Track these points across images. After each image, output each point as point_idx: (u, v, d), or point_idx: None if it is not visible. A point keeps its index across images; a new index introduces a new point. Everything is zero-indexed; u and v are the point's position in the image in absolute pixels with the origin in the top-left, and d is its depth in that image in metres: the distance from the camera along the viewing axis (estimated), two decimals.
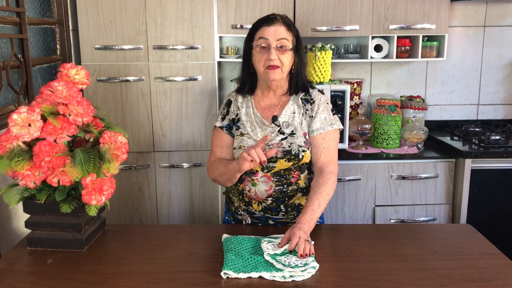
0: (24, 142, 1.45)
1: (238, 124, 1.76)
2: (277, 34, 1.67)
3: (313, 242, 1.50)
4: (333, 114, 1.76)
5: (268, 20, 1.70)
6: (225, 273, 1.34)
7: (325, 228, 1.75)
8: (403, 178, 2.55)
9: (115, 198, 2.62)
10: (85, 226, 1.55)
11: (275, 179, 1.71)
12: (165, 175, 2.62)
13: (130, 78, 2.51)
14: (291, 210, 1.76)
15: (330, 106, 1.79)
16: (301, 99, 1.75)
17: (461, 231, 1.71)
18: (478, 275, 1.36)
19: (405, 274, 1.36)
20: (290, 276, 1.33)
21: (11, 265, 1.44)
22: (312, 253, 1.41)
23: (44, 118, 1.46)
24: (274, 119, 1.72)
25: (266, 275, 1.33)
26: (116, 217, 2.64)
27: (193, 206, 2.66)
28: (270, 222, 1.77)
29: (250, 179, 1.73)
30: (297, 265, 1.36)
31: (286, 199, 1.74)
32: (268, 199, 1.73)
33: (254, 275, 1.34)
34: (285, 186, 1.72)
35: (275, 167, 1.70)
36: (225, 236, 1.58)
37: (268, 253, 1.41)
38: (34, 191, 1.52)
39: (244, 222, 1.81)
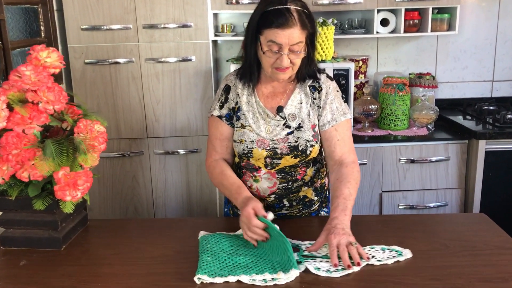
0: None
1: (238, 114, 1.56)
2: (291, 39, 1.39)
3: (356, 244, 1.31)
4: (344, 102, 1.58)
5: (281, 20, 1.38)
6: (198, 278, 1.20)
7: (325, 219, 1.61)
8: (412, 161, 2.40)
9: (109, 187, 2.50)
10: (62, 224, 1.42)
11: (280, 176, 1.55)
12: (160, 162, 2.49)
13: (120, 60, 2.37)
14: (296, 204, 1.60)
15: (340, 93, 1.59)
16: (309, 86, 1.54)
17: (475, 221, 1.56)
18: (495, 274, 1.21)
19: (412, 274, 1.22)
20: (272, 279, 1.19)
21: None
22: (367, 258, 1.27)
23: (11, 107, 1.32)
24: (279, 110, 1.52)
25: (245, 278, 1.20)
26: (110, 207, 2.52)
27: (191, 194, 2.53)
28: None
29: (252, 175, 1.58)
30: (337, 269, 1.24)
31: (290, 195, 1.59)
32: (270, 196, 1.58)
33: (232, 279, 1.20)
34: (290, 183, 1.57)
35: (280, 163, 1.53)
36: (202, 233, 1.45)
37: (304, 255, 1.29)
38: (4, 186, 1.39)
39: None
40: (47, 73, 1.39)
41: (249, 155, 1.54)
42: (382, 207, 2.43)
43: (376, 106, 2.50)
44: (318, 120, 1.54)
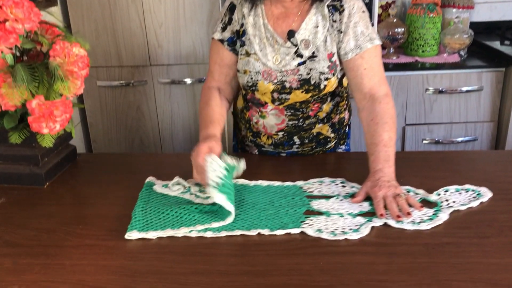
0: None
1: (243, 38, 1.35)
2: None
3: (407, 192, 1.16)
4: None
5: None
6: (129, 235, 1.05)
7: (337, 157, 1.44)
8: (440, 92, 2.17)
9: (112, 118, 2.36)
10: (44, 159, 1.29)
11: (289, 113, 1.36)
12: (165, 92, 2.31)
13: None
14: (308, 141, 1.42)
15: (367, 14, 1.32)
16: (328, 6, 1.29)
17: (509, 160, 1.36)
18: None
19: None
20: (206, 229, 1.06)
21: None
22: (420, 207, 1.10)
23: None
24: (290, 35, 1.30)
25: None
26: (114, 139, 2.40)
27: (198, 127, 2.38)
28: (282, 155, 1.45)
29: (258, 110, 1.40)
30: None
31: (302, 132, 1.40)
32: (278, 133, 1.40)
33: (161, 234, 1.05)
34: (301, 120, 1.38)
35: (288, 99, 1.33)
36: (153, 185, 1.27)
37: (348, 212, 1.11)
38: None
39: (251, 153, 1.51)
40: None
41: (253, 88, 1.34)
42: (405, 142, 2.24)
43: (402, 30, 2.24)
44: (339, 48, 1.30)
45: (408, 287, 0.87)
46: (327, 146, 1.45)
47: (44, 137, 1.21)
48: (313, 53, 1.29)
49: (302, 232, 1.03)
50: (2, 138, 1.25)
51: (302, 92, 1.31)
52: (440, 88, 2.16)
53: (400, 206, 1.09)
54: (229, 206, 1.08)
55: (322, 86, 1.31)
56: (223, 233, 1.04)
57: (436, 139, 2.23)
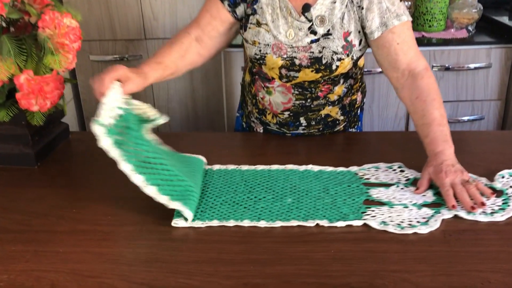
0: None
1: (254, 6, 1.23)
2: None
3: (474, 178, 1.06)
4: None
5: None
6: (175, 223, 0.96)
7: (341, 137, 1.37)
8: (447, 68, 2.09)
9: None
10: (35, 138, 1.21)
11: (296, 92, 1.28)
12: None
13: None
14: (315, 123, 1.33)
15: None
16: None
17: None
18: None
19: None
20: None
21: None
22: (491, 194, 1.01)
23: None
24: (306, 9, 1.19)
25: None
26: None
27: (196, 104, 2.30)
28: (287, 135, 1.38)
29: (263, 86, 1.32)
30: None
31: (309, 113, 1.32)
32: (284, 113, 1.32)
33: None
34: (309, 100, 1.29)
35: (297, 77, 1.25)
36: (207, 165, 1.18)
37: (411, 202, 1.02)
38: None
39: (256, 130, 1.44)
40: None
41: (261, 61, 1.26)
42: (409, 120, 2.17)
43: (409, 4, 2.15)
44: (364, 28, 1.20)
45: (425, 278, 0.81)
46: (336, 129, 1.37)
47: (34, 114, 1.14)
48: (328, 30, 1.20)
49: (365, 225, 0.94)
50: None
51: (312, 71, 1.23)
52: (447, 65, 2.09)
53: (472, 195, 0.99)
54: (115, 152, 0.94)
55: (334, 67, 1.22)
56: (278, 223, 0.95)
57: None
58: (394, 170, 1.14)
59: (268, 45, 1.23)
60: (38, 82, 1.08)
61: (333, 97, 1.31)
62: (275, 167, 1.16)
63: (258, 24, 1.23)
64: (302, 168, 1.15)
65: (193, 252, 0.89)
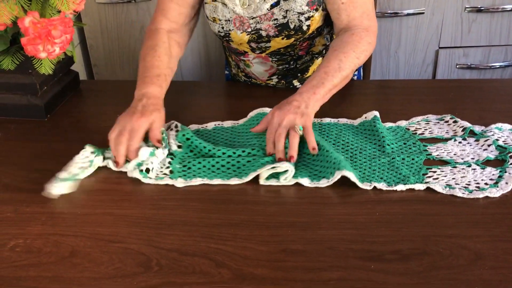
0: None
1: None
2: None
3: (301, 130, 0.92)
4: None
5: None
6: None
7: (358, 85, 1.26)
8: (480, 10, 1.94)
9: (114, 39, 2.15)
10: (43, 87, 1.11)
11: (275, 59, 1.17)
12: None
13: None
14: None
15: None
16: None
17: None
18: None
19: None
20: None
21: None
22: (291, 157, 0.88)
23: None
24: None
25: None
26: (118, 64, 2.20)
27: (209, 49, 2.17)
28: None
29: (239, 59, 1.21)
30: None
31: (299, 74, 1.21)
32: (272, 78, 1.22)
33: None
34: (292, 63, 1.19)
35: (269, 47, 1.13)
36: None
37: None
38: None
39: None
40: None
41: (227, 38, 1.14)
42: (437, 67, 2.04)
43: None
44: None
45: (484, 244, 0.73)
46: None
47: (42, 62, 1.03)
48: None
49: (428, 189, 0.84)
50: None
51: (282, 38, 1.10)
52: (480, 6, 1.93)
53: (289, 143, 0.89)
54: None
55: (305, 28, 1.09)
56: (323, 182, 0.86)
57: (470, 64, 2.04)
58: (447, 122, 1.03)
59: (229, 20, 1.10)
60: (45, 25, 0.96)
61: (318, 48, 1.19)
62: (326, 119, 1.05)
63: None
64: (357, 121, 1.04)
65: (223, 214, 0.81)
